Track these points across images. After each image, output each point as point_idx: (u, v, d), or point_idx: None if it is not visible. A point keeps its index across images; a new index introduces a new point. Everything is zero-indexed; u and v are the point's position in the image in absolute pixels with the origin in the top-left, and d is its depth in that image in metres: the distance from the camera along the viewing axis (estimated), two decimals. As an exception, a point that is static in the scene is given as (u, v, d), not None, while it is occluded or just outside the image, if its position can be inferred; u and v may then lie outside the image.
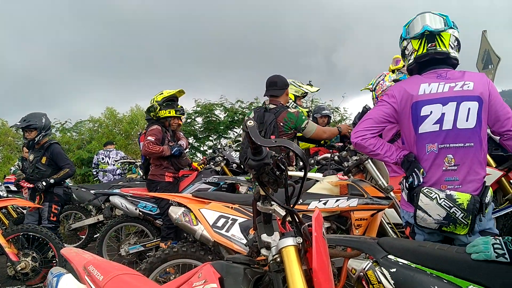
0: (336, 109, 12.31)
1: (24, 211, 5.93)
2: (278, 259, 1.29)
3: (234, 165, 6.09)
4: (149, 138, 4.92)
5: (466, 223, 2.19)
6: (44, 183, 5.02)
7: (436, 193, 2.27)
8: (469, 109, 2.31)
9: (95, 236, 6.87)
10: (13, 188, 7.70)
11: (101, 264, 1.94)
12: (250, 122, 1.21)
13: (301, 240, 1.29)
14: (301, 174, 3.38)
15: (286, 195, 1.33)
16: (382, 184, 3.19)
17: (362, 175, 3.43)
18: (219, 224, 3.00)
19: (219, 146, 7.44)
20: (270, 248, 1.34)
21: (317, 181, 3.28)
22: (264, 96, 4.20)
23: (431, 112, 2.36)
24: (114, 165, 8.94)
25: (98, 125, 13.48)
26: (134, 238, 5.28)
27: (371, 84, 4.45)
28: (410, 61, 2.53)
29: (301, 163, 4.27)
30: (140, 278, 1.86)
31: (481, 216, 2.26)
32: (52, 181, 5.09)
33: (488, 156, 3.33)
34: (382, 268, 1.88)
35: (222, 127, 11.61)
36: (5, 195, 6.38)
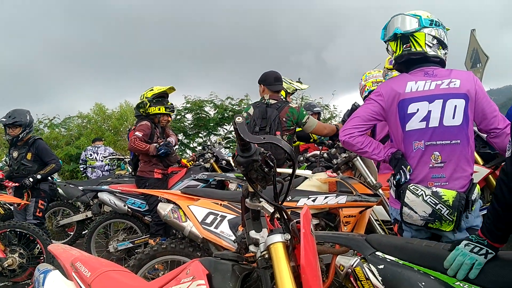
0: (326, 107, 12.35)
1: (12, 208, 5.88)
2: (266, 256, 1.30)
3: (224, 162, 6.09)
4: (136, 133, 4.90)
5: (451, 219, 2.22)
6: (31, 179, 5.00)
7: (422, 190, 2.29)
8: (455, 106, 2.33)
9: (83, 232, 6.83)
10: (-1, 184, 7.63)
11: (89, 260, 1.93)
12: (239, 118, 1.21)
13: (289, 237, 1.30)
14: (290, 171, 3.39)
15: (274, 192, 1.33)
16: (370, 182, 3.21)
17: (351, 172, 3.45)
18: (208, 220, 3.01)
19: (208, 143, 7.44)
20: (258, 244, 1.34)
21: (306, 178, 3.29)
22: (274, 91, 4.16)
23: (417, 109, 2.38)
24: (102, 161, 8.89)
25: (87, 121, 13.38)
26: (123, 235, 5.26)
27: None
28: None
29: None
30: (128, 275, 1.85)
31: (467, 213, 2.28)
32: (39, 176, 5.08)
33: (475, 154, 3.37)
34: (370, 264, 1.89)
35: (212, 124, 11.57)
36: (-9, 191, 6.33)
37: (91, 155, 9.00)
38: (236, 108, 11.71)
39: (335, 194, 3.03)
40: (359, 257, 1.97)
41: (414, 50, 2.43)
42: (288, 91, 4.95)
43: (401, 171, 2.41)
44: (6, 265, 4.28)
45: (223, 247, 2.89)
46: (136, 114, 5.37)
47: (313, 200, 3.01)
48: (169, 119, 5.59)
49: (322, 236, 2.25)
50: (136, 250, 4.82)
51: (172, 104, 5.39)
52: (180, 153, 11.32)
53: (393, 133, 2.56)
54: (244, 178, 1.30)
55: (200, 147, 11.03)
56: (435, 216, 2.24)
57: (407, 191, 2.33)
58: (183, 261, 3.11)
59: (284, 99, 4.24)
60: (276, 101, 4.05)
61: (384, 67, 4.48)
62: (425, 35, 2.41)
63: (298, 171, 3.45)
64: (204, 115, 11.73)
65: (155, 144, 4.97)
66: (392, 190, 2.52)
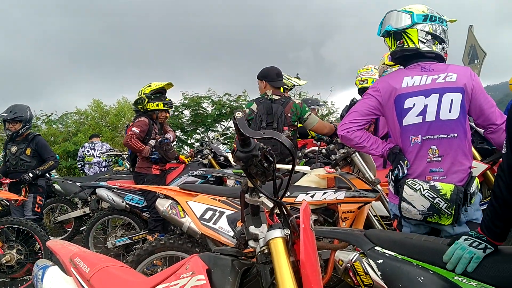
0: (323, 103, 12.35)
1: (8, 204, 5.86)
2: (266, 251, 1.29)
3: (222, 158, 6.09)
4: (133, 129, 4.89)
5: (450, 213, 2.22)
6: (31, 175, 5.00)
7: (420, 184, 2.30)
8: (452, 100, 2.33)
9: (81, 229, 6.81)
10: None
11: (88, 256, 1.93)
12: (239, 113, 1.21)
13: (289, 232, 1.30)
14: (289, 167, 3.39)
15: (274, 187, 1.33)
16: (369, 177, 3.21)
17: (350, 168, 3.45)
18: (207, 216, 3.01)
19: (206, 139, 7.43)
20: (257, 240, 1.34)
21: (305, 174, 3.29)
22: (277, 87, 4.14)
23: (414, 104, 2.39)
24: (99, 157, 8.88)
25: (85, 117, 13.33)
26: (121, 231, 5.28)
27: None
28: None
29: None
30: (127, 270, 1.85)
31: (466, 206, 2.28)
32: (38, 172, 5.08)
33: (473, 149, 3.38)
34: (369, 259, 1.90)
35: (210, 120, 11.57)
36: (-13, 188, 6.31)
37: (88, 151, 8.98)
38: (234, 105, 11.70)
39: (334, 190, 3.03)
40: (358, 252, 1.98)
41: (407, 46, 2.44)
42: (287, 87, 4.95)
43: (399, 166, 2.42)
44: (4, 261, 4.26)
45: (221, 243, 2.89)
46: (135, 109, 5.36)
47: (312, 196, 3.01)
48: (167, 115, 5.58)
49: (321, 232, 2.25)
50: (134, 246, 4.84)
51: (170, 100, 5.38)
52: (178, 149, 11.32)
53: (391, 128, 2.57)
54: (243, 173, 1.30)
55: (197, 144, 11.03)
56: (433, 210, 2.25)
57: (405, 186, 2.33)
58: (181, 257, 3.11)
59: (285, 95, 4.24)
60: (279, 97, 4.05)
61: (384, 63, 4.50)
62: (418, 31, 2.41)
63: (297, 167, 3.45)
64: (201, 112, 11.72)
65: (149, 147, 4.96)
66: (391, 186, 2.53)
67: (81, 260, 1.87)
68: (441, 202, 2.23)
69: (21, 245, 4.50)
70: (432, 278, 1.69)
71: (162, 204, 3.21)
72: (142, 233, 5.08)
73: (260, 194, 1.36)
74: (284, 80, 4.46)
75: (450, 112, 2.34)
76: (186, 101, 11.69)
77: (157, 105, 5.10)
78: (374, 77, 5.04)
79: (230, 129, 11.83)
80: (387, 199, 3.17)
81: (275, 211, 1.41)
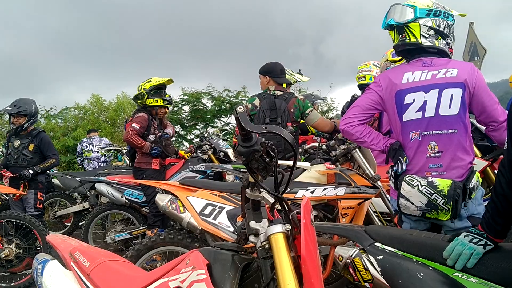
0: (323, 99, 12.35)
1: (8, 198, 5.86)
2: (267, 246, 1.29)
3: (222, 153, 6.08)
4: (133, 125, 4.87)
5: (447, 209, 2.22)
6: (31, 171, 4.99)
7: (417, 180, 2.30)
8: (452, 95, 2.33)
9: (80, 223, 6.83)
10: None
11: (88, 250, 1.93)
12: (240, 108, 1.20)
13: (290, 227, 1.29)
14: (289, 162, 3.39)
15: (275, 183, 1.33)
16: (369, 173, 3.21)
17: (350, 164, 3.45)
18: (206, 211, 3.01)
19: (206, 135, 7.42)
20: (258, 235, 1.34)
21: (305, 169, 3.29)
22: (280, 83, 4.12)
23: (414, 100, 2.39)
24: (98, 152, 8.87)
25: (84, 112, 13.36)
26: (120, 226, 5.28)
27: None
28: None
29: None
30: (126, 265, 1.85)
31: (465, 201, 2.28)
32: (39, 169, 5.07)
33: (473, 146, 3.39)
34: (369, 255, 1.90)
35: (209, 116, 11.57)
36: (-14, 182, 6.30)
37: (86, 146, 8.98)
38: (234, 100, 11.69)
39: (334, 186, 3.04)
40: (358, 248, 1.98)
41: (408, 40, 2.43)
42: (290, 81, 4.93)
43: (398, 162, 2.42)
44: (3, 255, 4.27)
45: (221, 238, 2.89)
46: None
47: (312, 192, 3.01)
48: (166, 111, 5.57)
49: (321, 227, 2.25)
50: (133, 241, 4.84)
51: (170, 96, 5.36)
52: (178, 145, 11.32)
53: (392, 123, 2.57)
54: (243, 168, 1.30)
55: (197, 139, 11.03)
56: (431, 206, 2.25)
57: (403, 182, 2.34)
58: (181, 252, 3.11)
59: (287, 91, 4.22)
60: (282, 92, 4.04)
61: (387, 60, 4.50)
62: (420, 26, 2.40)
63: (297, 163, 3.45)
64: (201, 107, 11.72)
65: (149, 144, 4.96)
66: (391, 182, 2.53)
67: (81, 255, 1.87)
68: (439, 198, 2.23)
69: (20, 240, 4.50)
70: (432, 274, 1.69)
71: (162, 199, 3.21)
72: (141, 228, 5.08)
73: (261, 189, 1.35)
74: (287, 76, 4.45)
75: (450, 107, 2.33)
76: (185, 97, 11.69)
77: (157, 101, 5.08)
78: (372, 74, 5.05)
79: (230, 124, 11.84)
80: (387, 196, 3.18)
81: (276, 207, 1.40)
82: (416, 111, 2.39)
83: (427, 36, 2.41)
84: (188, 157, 5.95)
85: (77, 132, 11.47)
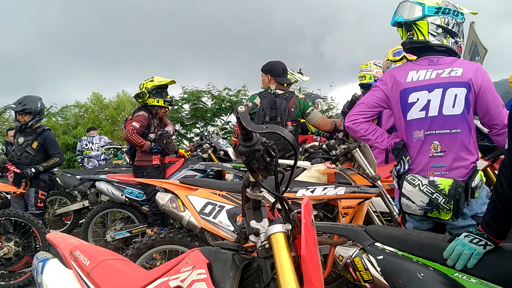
0: (324, 98, 12.35)
1: (8, 196, 5.86)
2: (267, 246, 1.29)
3: (222, 152, 6.08)
4: (133, 124, 4.88)
5: (448, 208, 2.22)
6: (33, 170, 4.96)
7: (419, 180, 2.30)
8: (456, 95, 2.32)
9: (80, 221, 6.84)
10: (-5, 172, 7.61)
11: (88, 249, 1.93)
12: (241, 108, 1.20)
13: (290, 227, 1.29)
14: (290, 162, 3.39)
15: (276, 182, 1.33)
16: (369, 173, 3.21)
17: (350, 163, 3.44)
18: (206, 210, 3.01)
19: (206, 134, 7.42)
20: (259, 234, 1.34)
21: (305, 169, 3.29)
22: (282, 83, 4.13)
23: (417, 99, 2.38)
24: (98, 150, 8.87)
25: (84, 110, 13.36)
26: (120, 224, 5.28)
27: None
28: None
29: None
30: (127, 263, 1.86)
31: (468, 200, 2.27)
32: (41, 168, 5.04)
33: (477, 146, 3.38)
34: (369, 255, 1.90)
35: (209, 115, 11.57)
36: (-13, 179, 6.31)
37: (86, 145, 8.98)
38: (234, 99, 11.70)
39: (334, 185, 3.04)
40: (358, 248, 1.98)
41: (416, 38, 2.42)
42: (291, 81, 4.94)
43: (401, 161, 2.42)
44: (2, 253, 4.26)
45: (221, 237, 2.89)
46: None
47: (312, 191, 3.01)
48: (166, 110, 5.57)
49: (321, 227, 2.25)
50: (133, 240, 4.84)
51: (171, 97, 5.36)
52: (178, 143, 11.32)
53: (397, 122, 2.57)
54: (243, 167, 1.30)
55: (197, 138, 11.03)
56: (432, 205, 2.25)
57: (404, 181, 2.34)
58: (181, 251, 3.11)
59: (288, 90, 4.23)
60: (283, 92, 4.04)
61: (388, 59, 4.50)
62: (428, 24, 2.38)
63: (298, 162, 3.45)
64: (201, 106, 11.72)
65: (149, 143, 4.96)
66: (395, 181, 2.53)
67: (81, 253, 1.87)
68: (440, 197, 2.23)
69: (19, 238, 4.49)
70: (432, 274, 1.69)
71: (162, 198, 3.21)
72: (141, 226, 5.09)
73: (262, 189, 1.36)
74: (288, 75, 4.45)
75: (453, 107, 2.32)
76: (185, 95, 11.68)
77: (158, 102, 5.08)
78: (372, 73, 5.06)
79: (230, 123, 11.85)
80: (387, 195, 3.18)
81: (277, 206, 1.40)
82: (420, 110, 2.38)
83: (435, 34, 2.39)
84: (188, 155, 5.96)
85: (77, 130, 11.47)
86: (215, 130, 8.40)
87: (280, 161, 3.53)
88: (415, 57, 2.64)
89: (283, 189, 1.36)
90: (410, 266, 1.76)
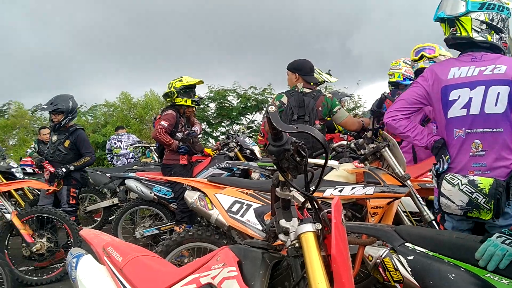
0: (350, 96, 12.23)
1: (40, 193, 6.01)
2: (297, 245, 1.30)
3: (248, 151, 6.10)
4: (162, 123, 4.95)
5: (489, 208, 2.17)
6: (64, 170, 5.04)
7: (458, 179, 2.25)
8: (498, 93, 2.25)
9: (109, 218, 6.99)
10: (29, 170, 7.84)
11: (120, 245, 1.97)
12: (272, 108, 1.21)
13: (320, 227, 1.30)
14: (317, 161, 3.38)
15: (305, 182, 1.33)
16: (399, 172, 3.16)
17: (379, 163, 3.41)
18: (234, 209, 3.03)
19: (231, 132, 7.47)
20: (288, 233, 1.34)
21: (333, 168, 3.27)
22: (309, 82, 4.13)
23: (459, 96, 2.33)
24: (126, 149, 9.02)
25: (113, 109, 13.59)
26: (149, 221, 5.35)
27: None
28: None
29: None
30: (158, 260, 1.89)
31: (510, 200, 2.22)
32: (72, 168, 5.11)
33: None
34: (399, 255, 1.89)
35: (235, 113, 11.62)
36: (21, 176, 6.50)
37: (115, 143, 9.14)
38: (259, 98, 11.71)
39: (363, 185, 3.00)
40: (388, 248, 1.96)
41: (459, 34, 2.37)
42: (317, 81, 4.92)
43: (440, 160, 2.38)
44: (35, 249, 4.34)
45: (248, 235, 2.91)
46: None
47: (340, 191, 2.99)
48: (194, 110, 5.63)
49: (350, 227, 2.24)
50: (161, 237, 4.91)
51: (199, 97, 5.41)
52: (203, 142, 11.42)
53: (437, 120, 2.52)
54: (269, 167, 1.31)
55: (223, 136, 11.09)
56: (472, 205, 2.20)
57: (444, 180, 2.30)
58: (209, 248, 3.14)
59: (315, 88, 4.22)
60: (310, 90, 4.04)
61: (410, 59, 4.45)
62: (472, 20, 2.32)
63: (322, 161, 3.43)
64: (227, 105, 11.78)
65: (177, 142, 5.02)
66: (434, 180, 2.48)
67: (114, 250, 1.91)
68: (480, 197, 2.18)
69: (51, 234, 4.60)
70: (463, 275, 1.67)
71: (191, 196, 3.24)
72: (169, 224, 5.14)
73: (291, 188, 1.36)
74: (315, 75, 4.44)
75: (496, 105, 2.26)
76: (211, 94, 11.77)
77: (185, 101, 5.14)
78: (401, 71, 5.01)
79: (255, 122, 11.88)
80: (417, 195, 3.13)
81: (306, 206, 1.41)
82: (461, 108, 2.33)
83: (479, 30, 2.34)
84: (214, 154, 6.00)
85: (106, 129, 11.68)
86: (240, 129, 8.44)
87: (310, 160, 3.52)
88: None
89: (313, 188, 1.36)
90: (441, 266, 1.74)
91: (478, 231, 2.37)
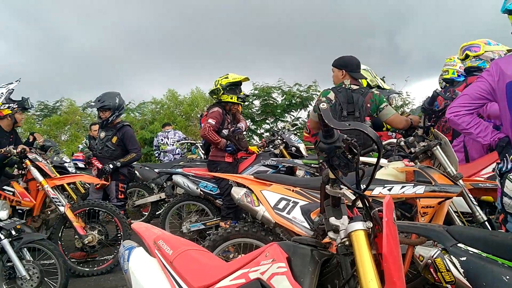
0: (399, 93, 11.94)
1: (89, 186, 6.21)
2: (347, 243, 1.29)
3: (293, 148, 6.07)
4: (210, 121, 5.01)
5: None
6: (111, 166, 5.19)
7: None
8: None
9: (157, 213, 7.17)
10: (80, 165, 8.14)
11: (170, 239, 2.02)
12: (323, 105, 1.21)
13: (371, 225, 1.28)
14: (366, 159, 3.33)
15: (356, 180, 1.32)
16: (451, 172, 3.07)
17: (430, 161, 3.32)
18: (280, 206, 3.03)
19: (276, 129, 7.47)
20: (338, 231, 1.34)
21: (382, 166, 3.21)
22: (356, 78, 4.08)
23: None
24: (173, 145, 9.20)
25: (160, 106, 13.85)
26: (195, 217, 5.44)
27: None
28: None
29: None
30: (206, 254, 1.92)
31: None
32: (119, 164, 5.25)
33: None
34: (451, 256, 1.84)
35: (279, 110, 11.60)
36: (73, 171, 6.75)
37: (162, 140, 9.34)
38: (304, 95, 11.64)
39: (413, 184, 2.93)
40: (440, 248, 1.92)
41: None
42: (371, 83, 4.84)
43: (504, 159, 2.28)
44: (87, 241, 4.50)
45: (294, 233, 2.91)
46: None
47: (389, 189, 2.93)
48: (239, 107, 5.67)
49: (400, 226, 2.20)
50: (207, 232, 4.98)
51: (244, 94, 5.44)
52: (248, 139, 11.48)
53: (502, 116, 2.42)
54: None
55: (267, 134, 11.11)
56: None
57: (507, 180, 2.21)
58: (255, 245, 3.16)
59: (363, 85, 4.16)
60: (358, 87, 3.99)
61: (458, 58, 4.34)
62: None
63: (372, 159, 3.38)
64: (271, 102, 11.78)
65: (225, 141, 5.08)
66: (497, 179, 2.39)
67: (164, 243, 1.96)
68: None
69: (102, 227, 4.77)
70: None
71: (237, 192, 3.27)
72: (215, 219, 5.21)
73: (342, 186, 1.35)
74: (370, 76, 4.38)
75: None
76: (256, 91, 11.80)
77: (231, 98, 5.18)
78: (456, 68, 4.88)
79: (300, 119, 11.82)
80: (469, 195, 3.03)
81: (357, 204, 1.40)
82: None
83: None
84: (259, 151, 6.03)
85: (153, 125, 11.94)
86: (285, 126, 8.43)
87: (362, 158, 3.46)
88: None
89: (364, 186, 1.35)
90: (495, 268, 1.69)
91: None
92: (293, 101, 11.62)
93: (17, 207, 4.65)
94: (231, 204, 4.76)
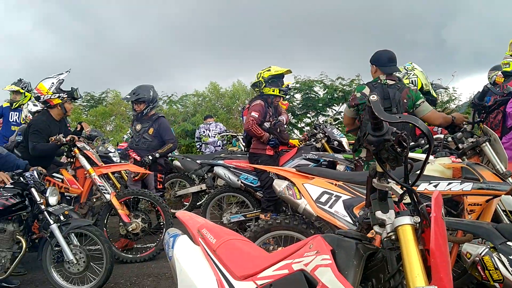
0: (446, 88, 11.56)
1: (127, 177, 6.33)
2: (393, 237, 1.28)
3: (336, 142, 6.01)
4: (253, 114, 5.04)
5: None
6: (150, 157, 5.30)
7: None
8: None
9: (198, 203, 7.28)
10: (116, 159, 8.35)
11: (213, 228, 2.06)
12: (373, 97, 1.20)
13: (419, 220, 1.27)
14: (412, 154, 3.26)
15: (405, 174, 1.30)
16: (500, 169, 2.97)
17: (478, 158, 3.22)
18: (322, 199, 3.02)
19: (319, 123, 7.40)
20: (384, 225, 1.33)
21: (428, 162, 3.14)
22: (387, 73, 3.97)
23: None
24: (214, 137, 9.30)
25: (202, 99, 14.00)
26: (236, 208, 5.49)
27: None
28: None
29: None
30: (249, 244, 1.95)
31: None
32: (157, 155, 5.36)
33: None
34: (500, 254, 1.79)
35: (321, 104, 11.48)
36: (118, 160, 6.94)
37: (204, 131, 9.45)
38: (347, 89, 11.47)
39: (460, 181, 2.85)
40: (488, 246, 1.87)
41: None
42: (425, 88, 4.72)
43: None
44: (130, 229, 4.62)
45: (336, 227, 2.89)
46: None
47: (435, 186, 2.86)
48: (281, 100, 5.66)
49: (447, 223, 2.15)
50: (247, 224, 5.03)
51: (287, 87, 5.44)
52: (289, 132, 11.44)
53: None
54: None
55: (307, 128, 11.02)
56: None
57: None
58: (296, 237, 3.17)
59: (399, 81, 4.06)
60: (394, 82, 3.89)
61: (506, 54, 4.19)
62: None
63: (418, 155, 3.31)
64: (313, 96, 11.67)
65: (268, 135, 5.09)
66: None
67: (208, 232, 2.00)
68: None
69: (145, 215, 4.88)
70: None
71: (279, 185, 3.28)
72: (255, 211, 5.25)
73: (389, 180, 1.34)
74: (424, 80, 4.27)
75: None
76: (297, 85, 11.72)
77: (273, 91, 5.18)
78: None
79: (342, 113, 11.65)
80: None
81: (404, 198, 1.38)
82: None
83: None
84: (300, 145, 6.00)
85: (195, 117, 12.07)
86: (327, 120, 8.36)
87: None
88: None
89: (413, 181, 1.33)
90: None
91: None
92: (335, 95, 11.47)
93: (65, 193, 4.81)
94: (271, 197, 4.78)
